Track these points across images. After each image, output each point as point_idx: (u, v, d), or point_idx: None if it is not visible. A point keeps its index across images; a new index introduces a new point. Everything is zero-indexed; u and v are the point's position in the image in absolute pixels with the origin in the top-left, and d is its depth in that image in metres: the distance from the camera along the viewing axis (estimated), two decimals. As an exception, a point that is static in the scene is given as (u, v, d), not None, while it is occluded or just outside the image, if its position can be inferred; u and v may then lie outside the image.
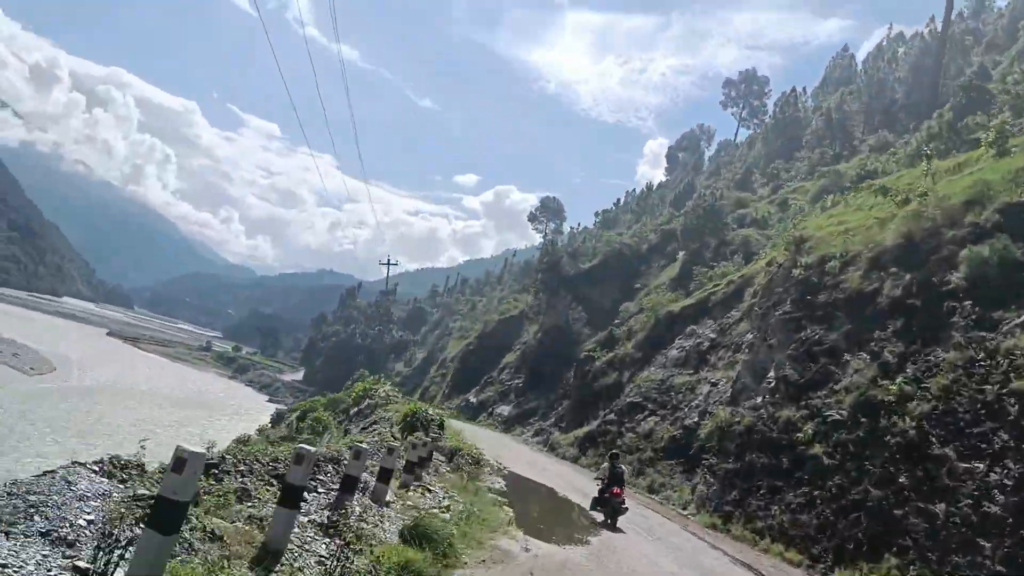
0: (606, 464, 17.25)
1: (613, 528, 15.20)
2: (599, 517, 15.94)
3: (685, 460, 22.74)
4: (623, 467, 17.35)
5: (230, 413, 64.41)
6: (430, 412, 19.11)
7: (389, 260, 42.76)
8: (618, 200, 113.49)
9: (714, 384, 24.87)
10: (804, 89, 78.90)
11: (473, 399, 60.75)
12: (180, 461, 4.60)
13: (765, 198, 56.78)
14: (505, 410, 54.02)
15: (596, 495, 16.44)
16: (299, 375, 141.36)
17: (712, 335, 29.81)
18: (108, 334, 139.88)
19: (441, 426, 19.31)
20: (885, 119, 58.63)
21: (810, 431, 16.00)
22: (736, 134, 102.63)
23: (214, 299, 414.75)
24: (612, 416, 30.80)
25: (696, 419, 23.75)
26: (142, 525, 4.81)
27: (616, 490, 15.77)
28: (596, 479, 17.38)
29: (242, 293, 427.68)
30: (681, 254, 52.73)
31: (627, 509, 15.88)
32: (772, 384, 18.94)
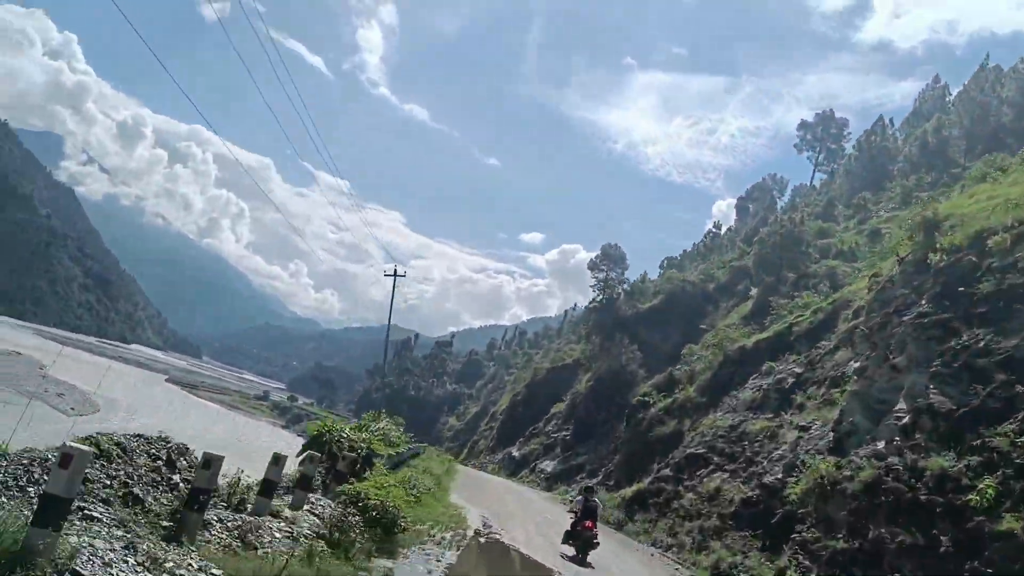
0: (580, 497, 16.96)
1: (583, 563, 14.62)
2: (570, 551, 15.29)
3: (766, 532, 16.13)
4: (597, 500, 17.10)
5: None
6: (347, 433, 13.08)
7: (396, 272, 35.49)
8: (684, 250, 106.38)
9: (804, 428, 18.24)
10: (891, 120, 71.58)
11: (516, 453, 54.21)
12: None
13: (852, 229, 49.70)
14: (549, 465, 47.32)
15: (568, 528, 15.90)
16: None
17: (797, 370, 23.18)
18: (167, 380, 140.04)
19: (368, 463, 13.27)
20: (991, 143, 51.07)
21: (990, 491, 9.48)
22: (812, 178, 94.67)
23: (280, 351, 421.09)
24: (667, 472, 24.21)
25: (780, 475, 17.13)
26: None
27: (588, 523, 15.33)
28: (569, 512, 17.12)
29: (306, 346, 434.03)
30: (754, 290, 45.94)
31: (598, 544, 15.33)
32: (904, 420, 12.44)
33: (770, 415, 21.62)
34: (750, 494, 17.83)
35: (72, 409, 60.84)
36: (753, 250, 47.95)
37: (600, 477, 36.68)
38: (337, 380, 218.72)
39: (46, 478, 5.16)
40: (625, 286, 56.83)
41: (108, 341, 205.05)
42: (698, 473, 22.06)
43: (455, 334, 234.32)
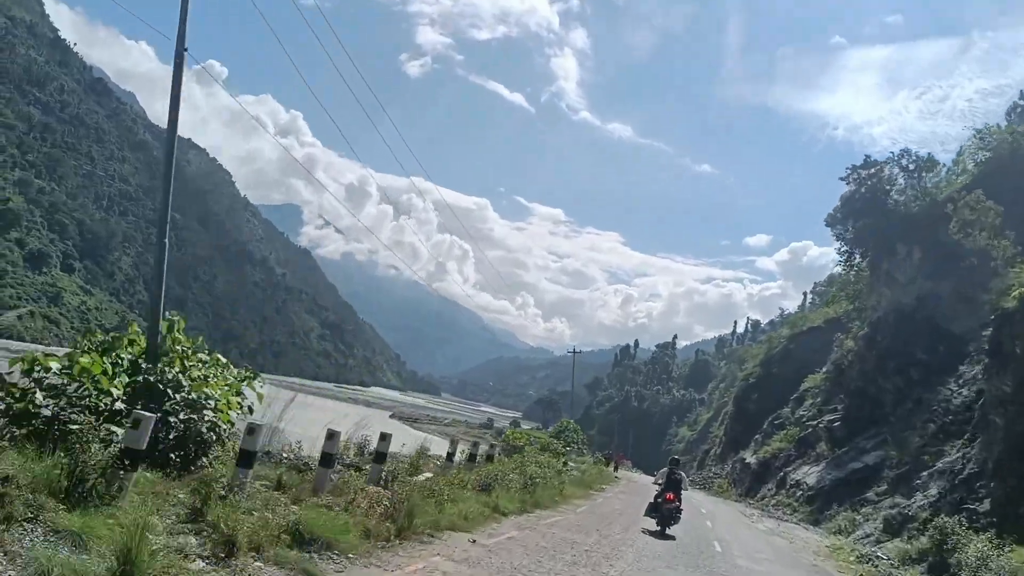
0: (665, 469, 16.74)
1: (662, 535, 14.51)
2: (651, 525, 15.24)
3: None
4: (682, 473, 16.75)
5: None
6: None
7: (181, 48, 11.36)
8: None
9: None
10: None
11: (750, 458, 34.36)
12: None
13: None
14: (811, 475, 27.10)
15: (652, 500, 15.81)
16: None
17: None
18: (390, 416, 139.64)
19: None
20: None
21: None
22: None
23: (513, 381, 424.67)
24: None
25: None
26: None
27: (670, 495, 15.24)
28: (655, 483, 17.40)
29: (539, 373, 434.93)
30: None
31: (680, 517, 15.39)
32: None
33: None
34: None
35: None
36: None
37: (935, 493, 16.41)
38: (564, 403, 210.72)
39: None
40: (906, 162, 34.44)
41: (346, 386, 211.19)
42: None
43: (676, 338, 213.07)
